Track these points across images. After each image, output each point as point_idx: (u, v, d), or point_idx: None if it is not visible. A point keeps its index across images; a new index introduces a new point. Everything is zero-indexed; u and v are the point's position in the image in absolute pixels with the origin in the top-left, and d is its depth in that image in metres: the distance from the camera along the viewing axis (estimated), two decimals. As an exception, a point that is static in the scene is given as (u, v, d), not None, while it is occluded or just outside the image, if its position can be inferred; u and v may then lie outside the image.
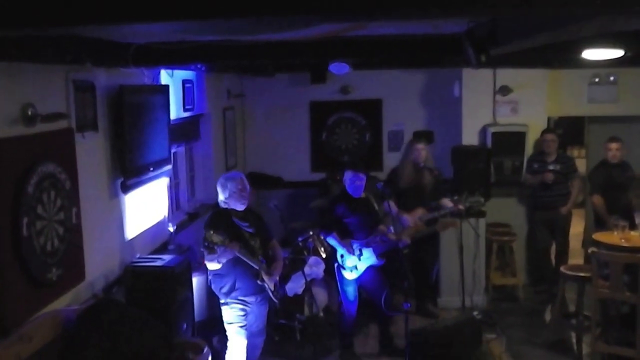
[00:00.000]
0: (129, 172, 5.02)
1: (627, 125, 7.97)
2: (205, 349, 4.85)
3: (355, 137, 9.23)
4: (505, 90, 7.81)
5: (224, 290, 5.06)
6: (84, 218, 4.41)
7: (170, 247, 5.88)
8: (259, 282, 5.04)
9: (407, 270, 5.64)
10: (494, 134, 7.75)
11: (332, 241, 5.98)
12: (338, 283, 6.09)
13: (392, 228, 6.04)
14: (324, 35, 4.50)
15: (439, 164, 7.19)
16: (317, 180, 8.89)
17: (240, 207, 5.10)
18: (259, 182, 8.66)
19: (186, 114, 6.75)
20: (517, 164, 7.78)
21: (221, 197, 5.09)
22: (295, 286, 6.52)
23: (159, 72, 5.85)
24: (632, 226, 6.33)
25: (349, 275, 5.98)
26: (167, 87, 5.86)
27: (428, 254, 7.24)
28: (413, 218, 6.62)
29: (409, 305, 5.36)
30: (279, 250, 5.42)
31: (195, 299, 5.62)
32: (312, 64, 7.59)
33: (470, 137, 7.94)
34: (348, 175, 5.97)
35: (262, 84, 8.91)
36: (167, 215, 6.11)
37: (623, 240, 5.95)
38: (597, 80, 7.90)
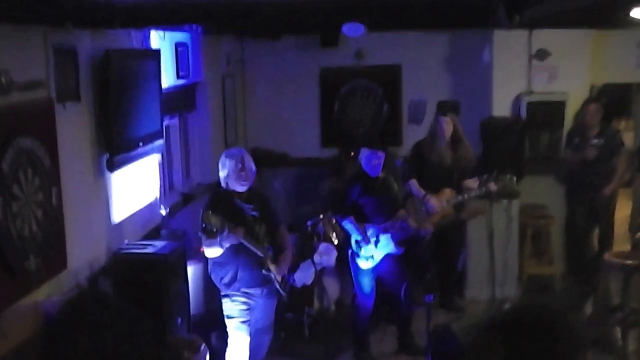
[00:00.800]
0: (116, 148, 5.02)
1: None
2: (202, 347, 4.88)
3: (371, 108, 9.18)
4: (542, 54, 7.74)
5: (225, 281, 5.07)
6: (66, 199, 4.41)
7: (163, 232, 5.90)
8: (264, 271, 5.04)
9: (430, 259, 5.63)
10: (529, 104, 7.71)
11: (348, 226, 5.97)
12: (352, 273, 6.10)
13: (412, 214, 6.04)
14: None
15: (466, 139, 7.14)
16: (328, 158, 8.87)
17: (239, 189, 5.10)
18: (262, 159, 8.62)
19: (180, 82, 6.74)
20: (555, 138, 7.76)
21: (221, 175, 5.11)
22: (303, 276, 6.53)
23: (149, 35, 5.82)
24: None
25: (365, 264, 5.98)
26: (158, 51, 5.84)
27: (454, 240, 7.23)
28: (439, 201, 6.60)
29: (431, 298, 5.36)
30: (287, 238, 5.43)
31: (191, 291, 5.64)
32: (323, 24, 7.52)
33: (501, 108, 7.90)
34: (364, 153, 5.95)
35: (265, 48, 8.86)
36: (158, 196, 6.12)
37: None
38: (647, 43, 7.83)
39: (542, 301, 2.02)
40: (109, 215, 5.16)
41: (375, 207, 5.98)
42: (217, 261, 5.04)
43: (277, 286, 5.19)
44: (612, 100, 10.92)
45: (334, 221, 6.55)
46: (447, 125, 6.79)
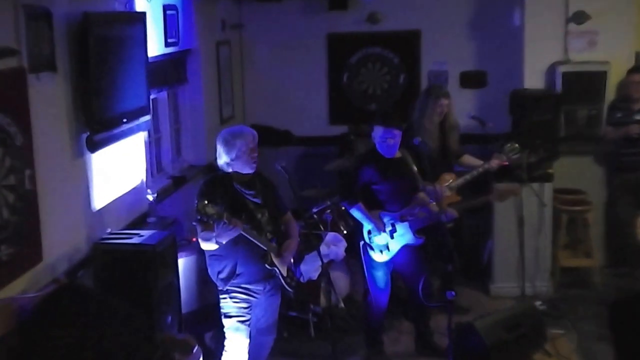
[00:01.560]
0: (97, 125, 5.02)
1: None
2: (195, 348, 4.90)
3: (385, 80, 9.18)
4: (580, 17, 7.69)
5: (222, 275, 5.08)
6: (41, 183, 4.42)
7: (150, 219, 5.92)
8: (267, 266, 5.06)
9: (452, 250, 5.62)
10: (565, 74, 7.67)
11: (357, 214, 5.97)
12: (364, 266, 6.10)
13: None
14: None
15: (494, 114, 7.14)
16: (336, 136, 8.89)
17: (248, 170, 5.11)
18: (263, 137, 8.62)
19: (169, 50, 6.74)
20: (594, 112, 7.72)
21: (225, 158, 5.07)
22: (309, 269, 6.54)
23: (134, -5, 5.83)
24: None
25: (379, 256, 5.99)
26: (143, 14, 5.81)
27: (478, 229, 7.24)
28: (441, 188, 6.55)
29: (453, 294, 5.37)
30: (294, 226, 5.44)
31: (183, 285, 5.66)
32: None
33: (534, 79, 7.86)
34: (378, 131, 5.92)
35: (266, 11, 8.85)
36: (145, 180, 6.14)
37: None
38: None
39: None
40: (89, 201, 5.17)
41: (391, 192, 5.97)
42: (214, 254, 5.05)
43: (282, 282, 5.19)
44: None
45: (343, 208, 6.55)
46: (448, 108, 6.75)
